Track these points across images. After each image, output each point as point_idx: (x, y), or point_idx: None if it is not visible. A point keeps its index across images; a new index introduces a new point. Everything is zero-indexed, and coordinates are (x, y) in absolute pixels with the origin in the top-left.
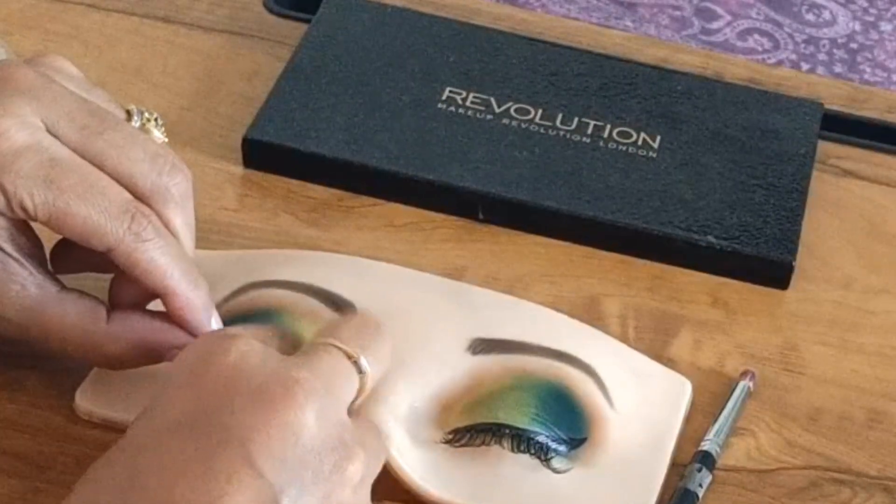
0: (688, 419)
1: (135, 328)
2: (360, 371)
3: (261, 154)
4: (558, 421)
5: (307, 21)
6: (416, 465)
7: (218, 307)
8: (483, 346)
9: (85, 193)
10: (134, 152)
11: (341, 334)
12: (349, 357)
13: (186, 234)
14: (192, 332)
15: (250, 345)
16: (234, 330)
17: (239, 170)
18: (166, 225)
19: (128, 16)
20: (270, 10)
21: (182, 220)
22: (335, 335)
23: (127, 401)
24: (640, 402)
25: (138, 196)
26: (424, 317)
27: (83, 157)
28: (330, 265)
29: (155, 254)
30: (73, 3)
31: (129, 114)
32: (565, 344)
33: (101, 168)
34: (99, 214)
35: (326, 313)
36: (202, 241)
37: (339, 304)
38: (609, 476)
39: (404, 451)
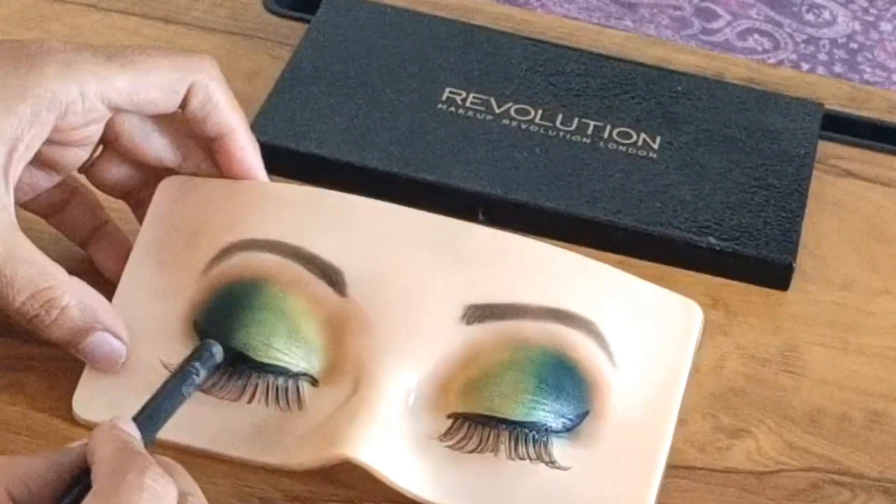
0: (685, 419)
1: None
2: None
3: (261, 154)
4: (559, 396)
5: (307, 21)
6: (412, 472)
7: (205, 271)
8: (477, 313)
9: None
10: None
11: None
12: None
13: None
14: (247, 175)
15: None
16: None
17: None
18: None
19: (128, 16)
20: (270, 10)
21: None
22: None
23: (121, 409)
24: (646, 344)
25: None
26: (415, 284)
27: None
28: (313, 210)
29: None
30: (73, 3)
31: None
32: (564, 296)
33: None
34: None
35: (312, 281)
36: None
37: (325, 272)
38: (610, 466)
39: (402, 457)
